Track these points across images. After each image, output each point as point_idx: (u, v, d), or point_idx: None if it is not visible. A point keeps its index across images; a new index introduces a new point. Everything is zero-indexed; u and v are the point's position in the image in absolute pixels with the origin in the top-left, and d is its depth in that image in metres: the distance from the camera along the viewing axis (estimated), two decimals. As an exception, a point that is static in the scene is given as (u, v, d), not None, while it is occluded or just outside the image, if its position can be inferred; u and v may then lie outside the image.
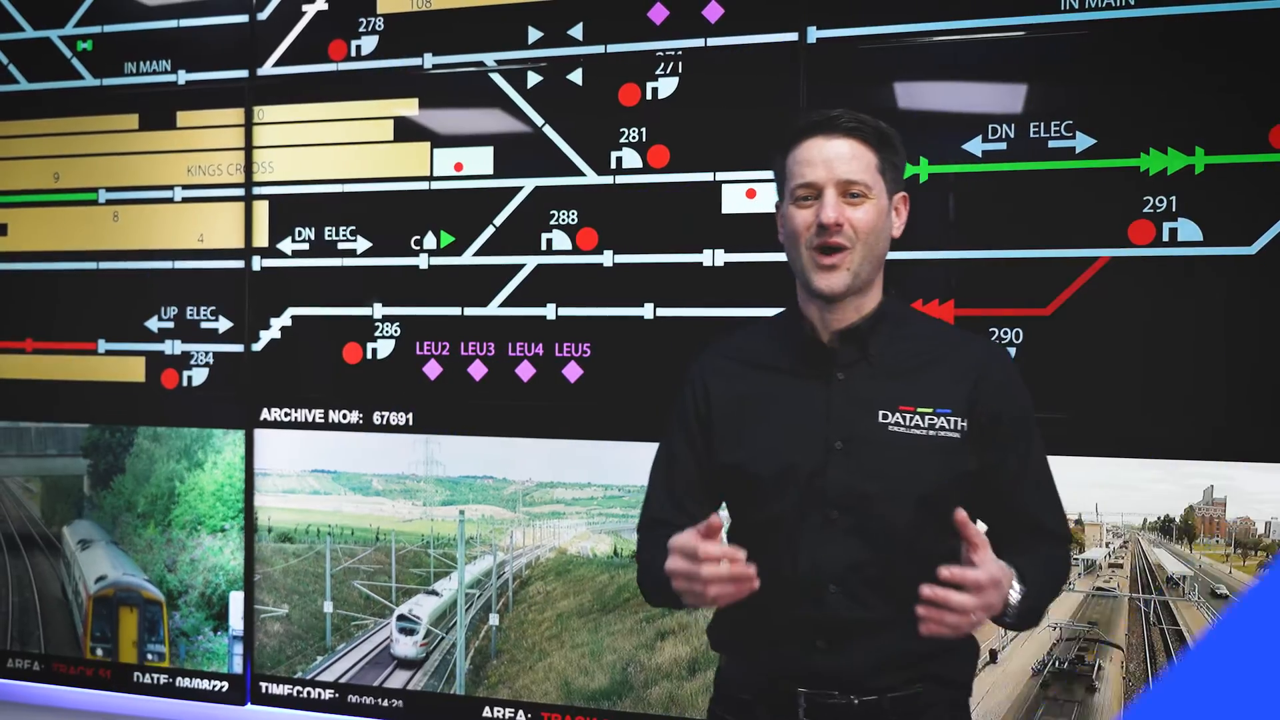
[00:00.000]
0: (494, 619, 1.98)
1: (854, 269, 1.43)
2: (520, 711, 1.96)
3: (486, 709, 1.98)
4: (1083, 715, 1.70)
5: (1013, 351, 1.73)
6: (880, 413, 1.46)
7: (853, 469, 1.45)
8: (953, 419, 1.46)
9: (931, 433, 1.45)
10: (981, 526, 1.50)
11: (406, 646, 2.00)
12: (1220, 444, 1.68)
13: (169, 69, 2.19)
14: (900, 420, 1.46)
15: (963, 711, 1.54)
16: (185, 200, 2.17)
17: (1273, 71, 1.62)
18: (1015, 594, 1.35)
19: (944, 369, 1.47)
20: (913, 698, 1.44)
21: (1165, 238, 1.67)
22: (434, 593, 2.00)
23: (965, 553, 1.32)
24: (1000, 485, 1.48)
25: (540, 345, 1.96)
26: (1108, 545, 1.70)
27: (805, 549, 1.45)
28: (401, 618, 2.02)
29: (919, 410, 1.46)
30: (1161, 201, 1.68)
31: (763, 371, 1.55)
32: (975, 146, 1.75)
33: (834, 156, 1.44)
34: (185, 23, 2.16)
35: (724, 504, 1.57)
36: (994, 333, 1.74)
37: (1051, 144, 1.73)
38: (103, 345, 2.22)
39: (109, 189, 2.22)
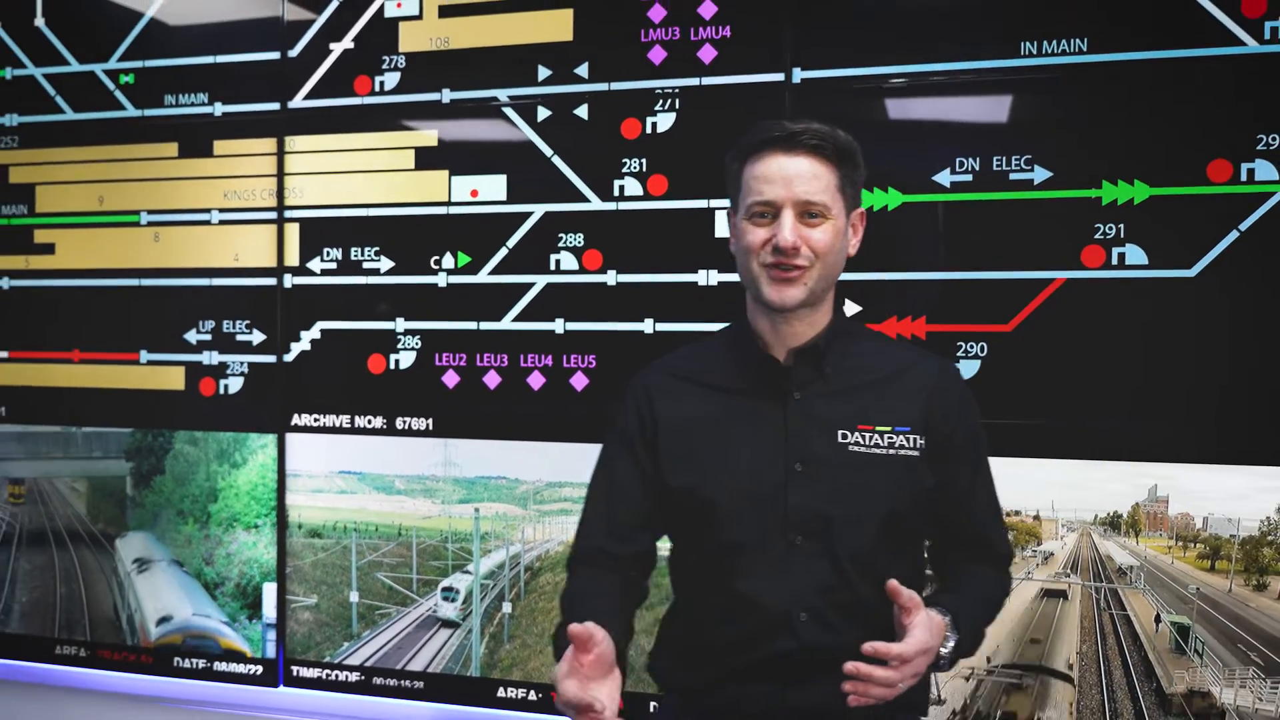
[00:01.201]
0: (507, 607, 2.15)
1: (810, 285, 1.38)
2: (531, 691, 2.13)
3: (501, 689, 2.15)
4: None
5: (977, 364, 1.88)
6: (840, 432, 1.40)
7: (814, 491, 1.39)
8: (912, 436, 1.41)
9: (892, 451, 1.40)
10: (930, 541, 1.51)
11: (449, 610, 2.18)
12: (1163, 448, 1.82)
13: (206, 101, 2.33)
14: (860, 439, 1.40)
15: None
16: (222, 222, 2.33)
17: (1208, 113, 1.78)
18: (948, 647, 1.32)
19: (898, 386, 1.44)
20: None
21: (1115, 261, 1.83)
22: (468, 572, 2.17)
23: (898, 617, 1.28)
24: (951, 500, 1.45)
25: (550, 357, 2.12)
26: (1062, 539, 1.85)
27: (769, 577, 1.38)
28: (445, 589, 2.18)
29: (878, 429, 1.40)
30: (1111, 229, 1.83)
31: (714, 391, 1.46)
32: (944, 178, 1.91)
33: (794, 175, 1.37)
34: (221, 59, 2.31)
35: (665, 535, 1.51)
36: (960, 346, 1.89)
37: (1012, 176, 1.88)
38: (145, 356, 2.38)
39: (150, 211, 2.37)
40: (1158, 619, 1.83)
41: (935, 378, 1.45)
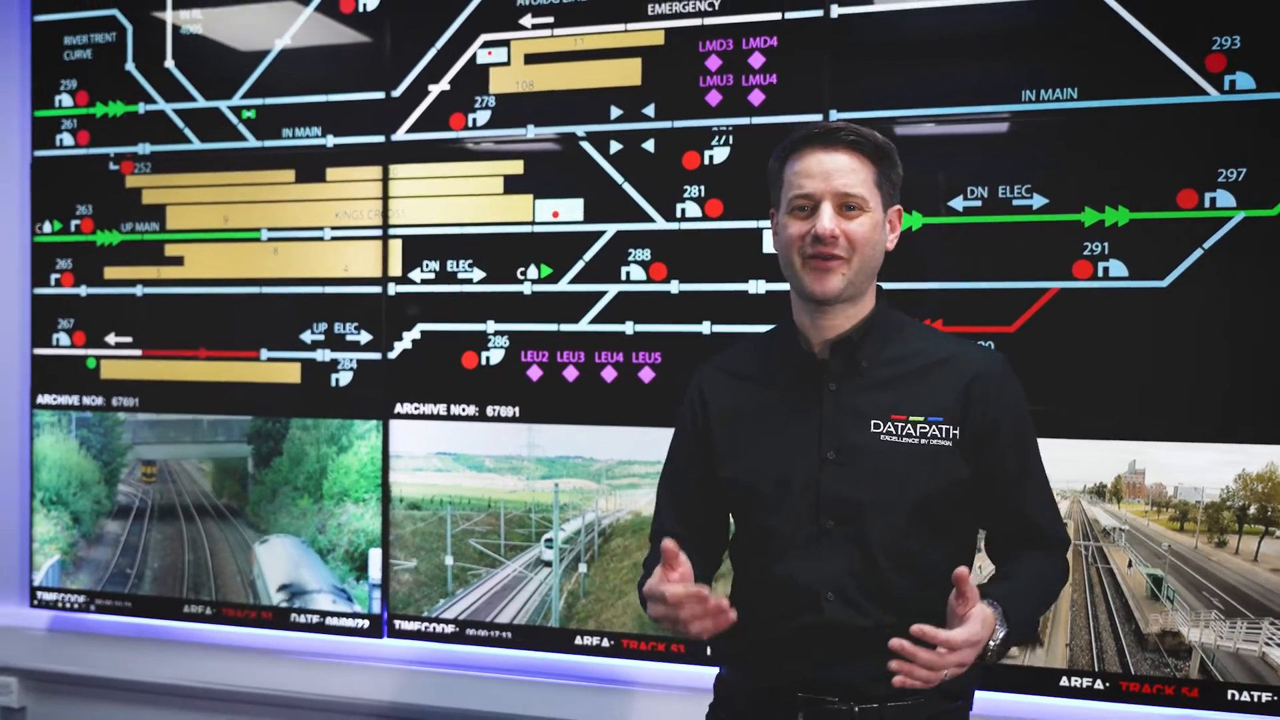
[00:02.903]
0: (583, 568, 2.46)
1: (849, 276, 1.39)
2: (605, 639, 2.42)
3: (578, 637, 2.44)
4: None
5: None
6: (872, 422, 1.41)
7: (845, 478, 1.40)
8: (944, 426, 1.40)
9: (924, 441, 1.40)
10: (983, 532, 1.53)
11: (549, 554, 2.45)
12: (1141, 429, 2.09)
13: (320, 134, 2.62)
14: (892, 429, 1.40)
15: None
16: (333, 239, 2.63)
17: (1178, 150, 2.07)
18: (997, 639, 1.29)
19: (936, 377, 1.43)
20: (913, 708, 1.39)
21: (1100, 274, 2.11)
22: (563, 529, 2.46)
23: (953, 604, 1.26)
24: (1001, 489, 1.44)
25: (620, 354, 2.41)
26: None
27: (802, 558, 1.40)
28: (547, 539, 2.46)
29: (910, 419, 1.41)
30: (1097, 247, 2.11)
31: (756, 385, 1.49)
32: (958, 204, 2.19)
33: (833, 169, 1.38)
34: (333, 97, 2.61)
35: (731, 516, 1.56)
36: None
37: (1015, 202, 2.15)
38: (264, 354, 2.68)
39: (270, 229, 2.67)
40: (1129, 565, 2.13)
41: (975, 367, 1.44)
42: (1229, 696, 2.06)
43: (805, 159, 1.40)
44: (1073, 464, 2.14)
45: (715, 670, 1.62)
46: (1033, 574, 1.43)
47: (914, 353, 1.46)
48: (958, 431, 1.40)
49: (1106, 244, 2.12)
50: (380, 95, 2.60)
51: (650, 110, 2.40)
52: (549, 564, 2.48)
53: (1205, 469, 2.08)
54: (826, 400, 1.42)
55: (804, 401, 1.44)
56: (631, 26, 2.40)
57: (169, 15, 2.77)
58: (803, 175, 1.40)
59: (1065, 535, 1.52)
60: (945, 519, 1.42)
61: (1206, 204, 2.08)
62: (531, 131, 2.49)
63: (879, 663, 1.26)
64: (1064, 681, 2.14)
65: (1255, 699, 2.05)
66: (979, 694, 1.98)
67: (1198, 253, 2.08)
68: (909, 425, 1.39)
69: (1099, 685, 2.13)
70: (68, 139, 2.85)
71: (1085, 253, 2.14)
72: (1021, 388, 1.51)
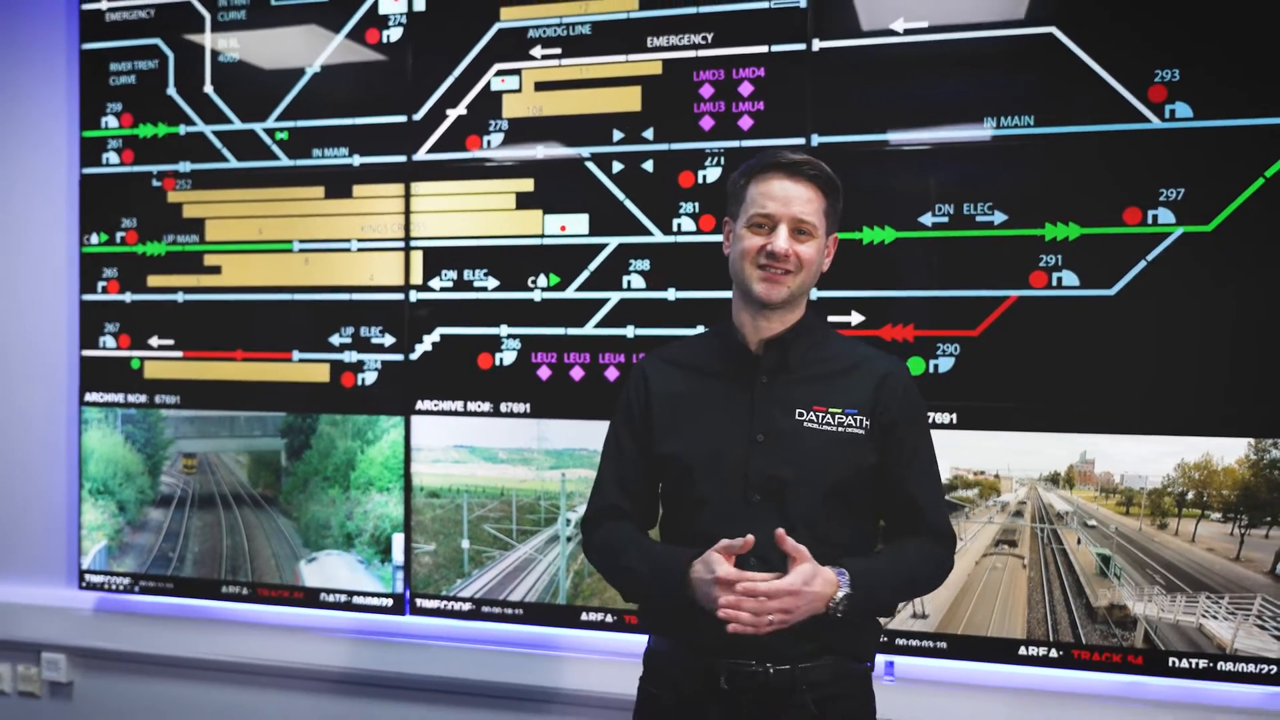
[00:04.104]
0: None
1: (793, 289, 1.56)
2: (608, 614, 2.61)
3: (584, 613, 2.64)
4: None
5: (952, 360, 2.35)
6: (797, 411, 1.56)
7: (771, 458, 1.54)
8: (858, 417, 1.57)
9: (840, 429, 1.55)
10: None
11: (570, 530, 2.63)
12: (1091, 422, 2.27)
13: (347, 154, 2.81)
14: (814, 418, 1.56)
15: (866, 684, 1.65)
16: (359, 250, 2.82)
17: (1124, 172, 2.25)
18: (837, 598, 1.46)
19: (853, 376, 1.60)
20: (821, 668, 1.54)
21: (1054, 283, 2.29)
22: (570, 515, 2.63)
23: (788, 564, 1.45)
24: (892, 473, 1.60)
25: (622, 355, 2.59)
26: (1014, 492, 2.34)
27: (730, 528, 1.50)
28: (568, 520, 2.65)
29: (830, 410, 1.56)
30: (1052, 259, 2.30)
31: (696, 374, 1.64)
32: (927, 219, 2.38)
33: (793, 197, 1.54)
34: (359, 120, 2.80)
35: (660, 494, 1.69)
36: (939, 347, 2.36)
37: (978, 218, 2.34)
38: (296, 355, 2.87)
39: (301, 240, 2.87)
40: (1079, 542, 2.31)
41: (884, 372, 1.62)
42: (1170, 663, 2.27)
43: (770, 183, 1.56)
44: (1030, 454, 2.34)
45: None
46: (895, 554, 1.58)
47: (835, 355, 1.64)
48: (868, 423, 1.57)
49: (1060, 256, 2.31)
50: (403, 119, 2.79)
51: (649, 134, 2.58)
52: (570, 536, 2.66)
53: (1148, 459, 2.25)
54: (758, 390, 1.58)
55: (738, 390, 1.59)
56: (632, 58, 2.61)
57: (208, 44, 2.98)
58: (766, 197, 1.55)
59: (946, 527, 1.63)
60: (855, 499, 1.58)
61: (1149, 221, 2.26)
62: (541, 152, 2.67)
63: (793, 627, 1.46)
64: (1022, 650, 2.35)
65: (1193, 665, 2.26)
66: (946, 661, 2.23)
67: (1141, 264, 2.26)
68: (829, 415, 1.56)
69: (1054, 654, 2.33)
70: (113, 158, 3.07)
71: (1041, 264, 2.32)
72: (919, 392, 1.68)
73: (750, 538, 1.46)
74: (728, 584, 1.44)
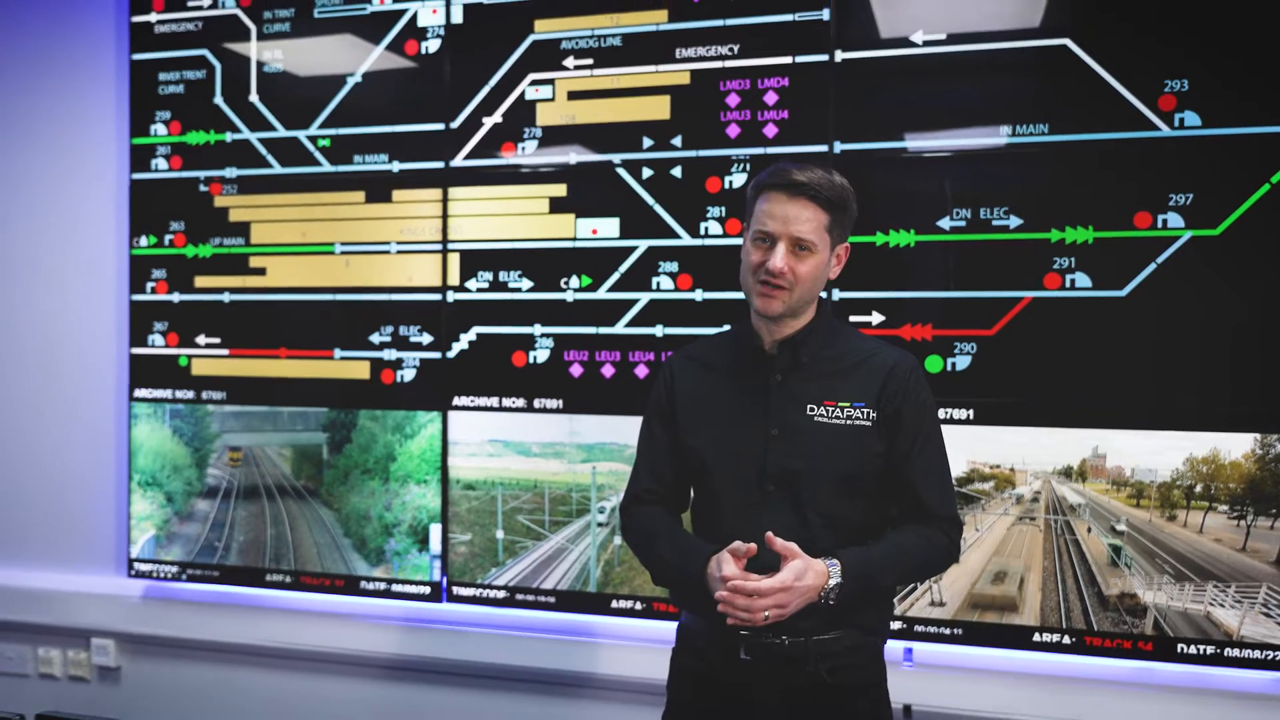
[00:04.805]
0: (617, 539, 2.74)
1: (789, 303, 1.62)
2: (637, 602, 2.71)
3: (614, 601, 2.73)
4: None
5: (969, 359, 2.43)
6: (808, 406, 1.64)
7: (785, 451, 1.62)
8: (865, 410, 1.64)
9: (849, 421, 1.62)
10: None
11: (600, 517, 2.73)
12: (1103, 418, 2.33)
13: (387, 160, 2.92)
14: (824, 412, 1.63)
15: (878, 656, 1.72)
16: (399, 252, 2.92)
17: (1135, 178, 2.33)
18: (828, 586, 1.54)
19: (862, 370, 1.67)
20: (833, 640, 1.63)
21: (1068, 285, 2.36)
22: (602, 506, 2.74)
23: (780, 562, 1.54)
24: (897, 461, 1.66)
25: (651, 354, 2.68)
26: (1030, 485, 2.41)
27: (748, 515, 1.62)
28: (600, 508, 2.74)
29: (839, 404, 1.64)
30: (1065, 261, 2.37)
31: (718, 373, 1.72)
32: (945, 223, 2.46)
33: (792, 216, 1.58)
34: (398, 128, 2.91)
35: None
36: (956, 346, 2.43)
37: (994, 222, 2.41)
38: (338, 353, 2.98)
39: (343, 243, 2.97)
40: (1089, 531, 2.38)
41: (891, 365, 1.69)
42: (1179, 649, 2.35)
43: (771, 201, 1.62)
44: (1044, 449, 2.42)
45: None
46: (892, 542, 1.63)
47: (846, 352, 1.71)
48: (875, 414, 1.64)
49: (1073, 259, 2.38)
50: (440, 126, 2.90)
51: (678, 141, 2.67)
52: (601, 524, 2.77)
53: (1158, 453, 2.32)
54: (773, 388, 1.66)
55: (755, 388, 1.67)
56: (662, 68, 2.70)
57: (253, 54, 3.09)
58: (766, 215, 1.62)
59: (951, 513, 1.68)
60: (864, 487, 1.65)
61: (1159, 225, 2.32)
62: (574, 158, 2.76)
63: (806, 607, 1.55)
64: (1036, 637, 2.43)
65: (1201, 651, 2.34)
66: (965, 648, 2.32)
67: (1151, 267, 2.33)
68: (838, 409, 1.63)
69: (1066, 640, 2.41)
70: (162, 164, 3.19)
71: (1055, 266, 2.39)
72: (928, 384, 1.74)
73: (753, 546, 1.55)
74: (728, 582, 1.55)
